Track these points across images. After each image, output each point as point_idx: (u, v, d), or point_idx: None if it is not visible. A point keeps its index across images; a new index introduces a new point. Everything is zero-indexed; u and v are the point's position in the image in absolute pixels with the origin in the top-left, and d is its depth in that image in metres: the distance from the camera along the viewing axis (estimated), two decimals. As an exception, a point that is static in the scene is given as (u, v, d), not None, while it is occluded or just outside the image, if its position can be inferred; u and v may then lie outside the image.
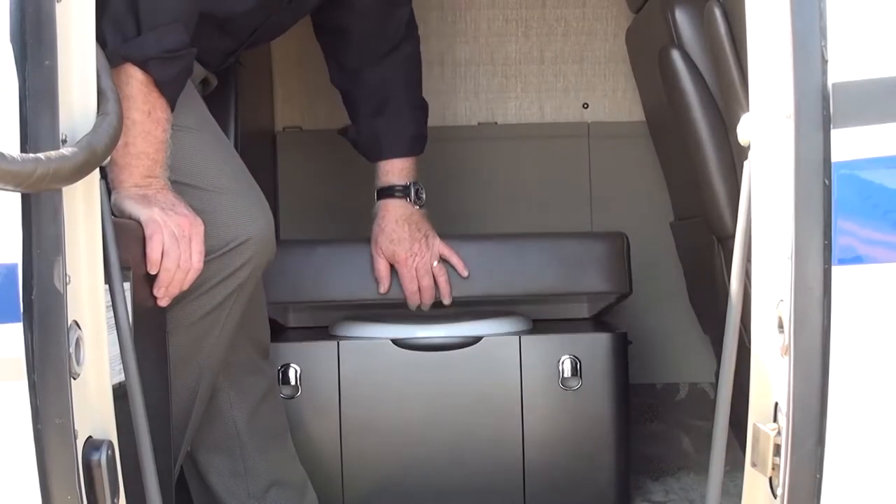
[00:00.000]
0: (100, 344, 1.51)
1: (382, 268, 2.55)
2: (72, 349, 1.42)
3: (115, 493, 1.47)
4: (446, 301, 2.57)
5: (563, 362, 2.55)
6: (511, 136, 3.18)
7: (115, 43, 1.86)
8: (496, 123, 3.21)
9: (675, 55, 2.32)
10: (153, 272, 1.87)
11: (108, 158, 1.50)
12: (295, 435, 2.42)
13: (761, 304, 1.56)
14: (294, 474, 2.36)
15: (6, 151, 1.26)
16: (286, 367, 2.55)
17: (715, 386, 2.84)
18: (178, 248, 1.87)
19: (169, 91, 1.91)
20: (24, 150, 1.40)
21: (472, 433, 2.55)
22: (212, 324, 2.06)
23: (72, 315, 1.43)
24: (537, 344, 2.58)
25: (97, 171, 1.50)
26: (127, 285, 1.65)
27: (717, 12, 2.13)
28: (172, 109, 1.94)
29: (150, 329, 1.88)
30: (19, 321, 1.39)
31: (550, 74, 3.20)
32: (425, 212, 2.57)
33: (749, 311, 1.60)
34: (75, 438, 1.42)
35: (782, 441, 1.49)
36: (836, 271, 1.47)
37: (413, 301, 2.57)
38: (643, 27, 2.67)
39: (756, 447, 1.55)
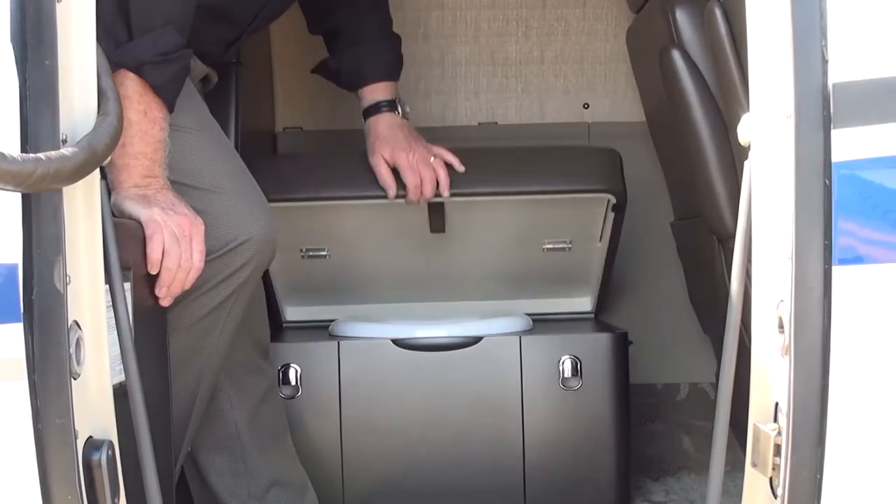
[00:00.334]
0: (100, 344, 1.51)
1: (386, 173, 2.55)
2: (72, 349, 1.42)
3: (115, 493, 1.48)
4: (445, 193, 2.56)
5: (563, 362, 2.55)
6: (511, 136, 3.18)
7: (107, 49, 1.86)
8: (496, 124, 3.20)
9: (676, 55, 2.32)
10: (154, 272, 1.87)
11: (108, 159, 1.50)
12: (295, 435, 2.42)
13: (761, 304, 1.56)
14: (294, 474, 2.36)
15: (6, 151, 1.27)
16: (286, 367, 2.55)
17: (715, 386, 2.84)
18: (178, 247, 1.87)
19: (165, 93, 1.91)
20: (24, 150, 1.40)
21: (473, 433, 2.56)
22: (212, 324, 2.07)
23: (72, 315, 1.43)
24: (537, 344, 2.58)
25: (97, 171, 1.50)
26: (127, 285, 1.65)
27: (718, 12, 2.13)
28: (171, 110, 1.94)
29: (150, 329, 1.88)
30: (19, 321, 1.39)
31: (551, 74, 3.20)
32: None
33: (749, 311, 1.60)
34: (75, 438, 1.42)
35: (782, 441, 1.49)
36: (837, 271, 1.47)
37: (415, 195, 2.56)
38: (643, 27, 2.67)
39: (756, 447, 1.55)
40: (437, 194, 2.57)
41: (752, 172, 1.59)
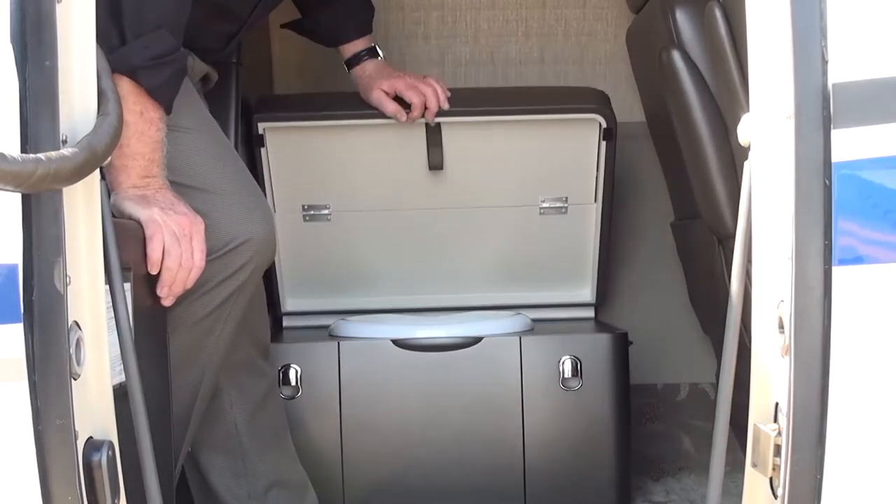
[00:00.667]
0: (100, 344, 1.51)
1: (389, 101, 2.65)
2: (72, 350, 1.42)
3: (115, 494, 1.48)
4: (445, 105, 2.66)
5: (563, 363, 2.55)
6: None
7: None
8: None
9: (676, 55, 2.32)
10: (154, 272, 1.87)
11: (108, 159, 1.51)
12: (295, 435, 2.42)
13: (762, 304, 1.56)
14: (294, 475, 2.36)
15: (6, 152, 1.26)
16: (287, 367, 2.55)
17: (715, 386, 2.84)
18: (179, 246, 1.87)
19: (161, 96, 1.90)
20: (24, 150, 1.40)
21: (473, 434, 2.55)
22: (213, 324, 2.07)
23: (72, 316, 1.43)
24: (538, 344, 2.58)
25: (97, 171, 1.50)
26: (127, 286, 1.65)
27: (718, 12, 2.13)
28: (169, 111, 1.93)
29: (150, 329, 1.88)
30: (20, 322, 1.39)
31: (551, 75, 3.20)
32: None
33: (749, 311, 1.60)
34: (76, 439, 1.42)
35: (783, 441, 1.49)
36: (837, 271, 1.47)
37: (420, 111, 2.65)
38: (643, 27, 2.67)
39: (756, 447, 1.55)
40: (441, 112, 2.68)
41: (752, 173, 1.59)
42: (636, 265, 3.14)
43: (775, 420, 1.53)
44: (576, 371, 2.55)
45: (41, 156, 1.32)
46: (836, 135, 1.47)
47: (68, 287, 1.41)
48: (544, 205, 2.86)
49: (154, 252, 1.86)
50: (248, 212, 2.05)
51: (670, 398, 3.17)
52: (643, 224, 3.09)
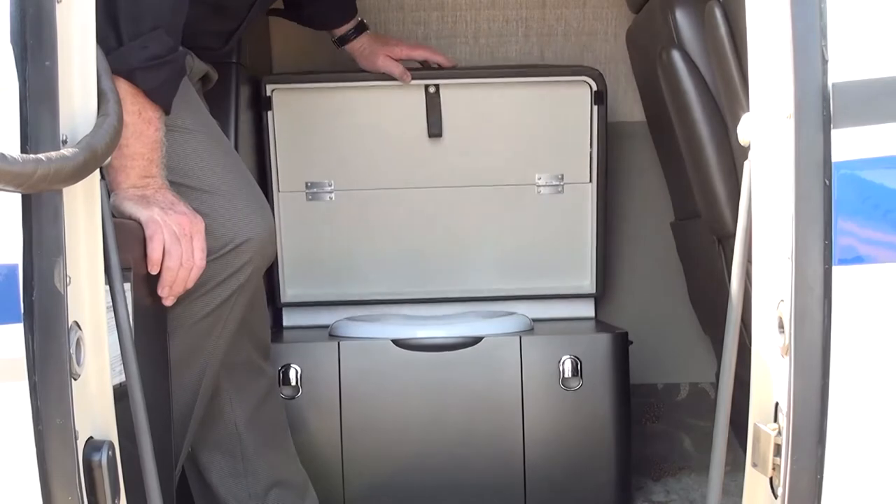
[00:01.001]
0: (100, 344, 1.51)
1: (397, 66, 2.80)
2: (72, 350, 1.42)
3: (115, 494, 1.48)
4: (446, 63, 2.86)
5: (563, 362, 2.55)
6: None
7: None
8: None
9: (676, 55, 2.32)
10: (155, 272, 1.87)
11: (108, 159, 1.50)
12: (296, 435, 2.42)
13: (762, 304, 1.56)
14: (295, 475, 2.36)
15: (6, 152, 1.26)
16: (287, 367, 2.55)
17: (715, 386, 2.84)
18: (179, 246, 1.87)
19: (159, 97, 1.90)
20: (24, 150, 1.40)
21: (473, 433, 2.56)
22: (213, 324, 2.07)
23: (72, 316, 1.43)
24: (538, 344, 2.58)
25: (97, 171, 1.50)
26: (127, 286, 1.65)
27: (718, 12, 2.13)
28: (168, 111, 1.93)
29: (150, 329, 1.88)
30: (20, 322, 1.39)
31: (551, 74, 3.20)
32: None
33: (749, 311, 1.60)
34: (76, 439, 1.42)
35: (783, 441, 1.49)
36: (837, 271, 1.47)
37: (426, 64, 2.86)
38: (643, 27, 2.67)
39: (757, 447, 1.55)
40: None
41: (752, 172, 1.59)
42: (636, 265, 3.14)
43: (775, 420, 1.53)
44: (576, 371, 2.55)
45: (41, 156, 1.32)
46: (836, 134, 1.47)
47: (68, 287, 1.41)
48: (540, 182, 2.89)
49: (154, 252, 1.86)
50: (248, 212, 2.05)
51: (670, 398, 3.17)
52: (643, 224, 3.09)
